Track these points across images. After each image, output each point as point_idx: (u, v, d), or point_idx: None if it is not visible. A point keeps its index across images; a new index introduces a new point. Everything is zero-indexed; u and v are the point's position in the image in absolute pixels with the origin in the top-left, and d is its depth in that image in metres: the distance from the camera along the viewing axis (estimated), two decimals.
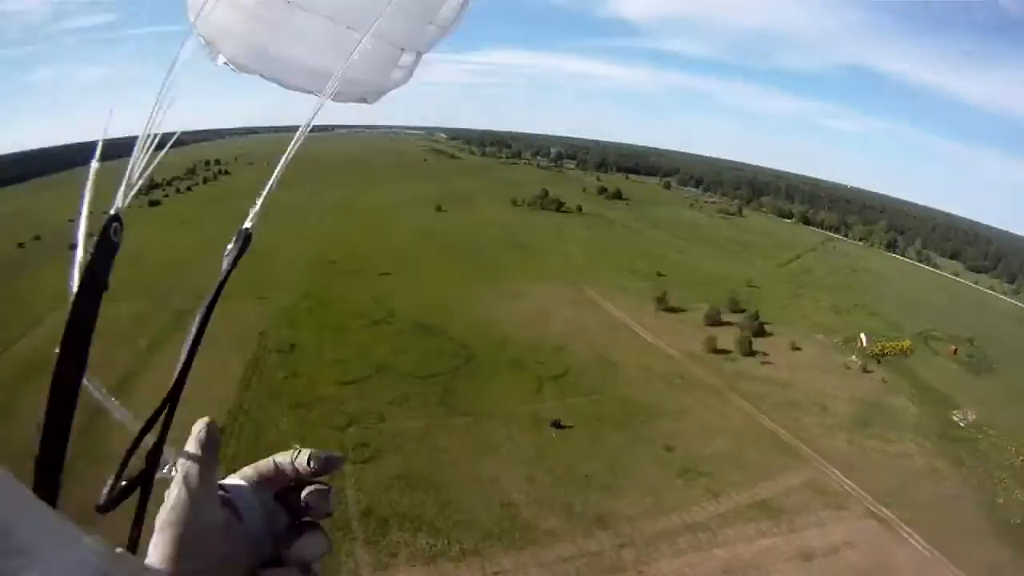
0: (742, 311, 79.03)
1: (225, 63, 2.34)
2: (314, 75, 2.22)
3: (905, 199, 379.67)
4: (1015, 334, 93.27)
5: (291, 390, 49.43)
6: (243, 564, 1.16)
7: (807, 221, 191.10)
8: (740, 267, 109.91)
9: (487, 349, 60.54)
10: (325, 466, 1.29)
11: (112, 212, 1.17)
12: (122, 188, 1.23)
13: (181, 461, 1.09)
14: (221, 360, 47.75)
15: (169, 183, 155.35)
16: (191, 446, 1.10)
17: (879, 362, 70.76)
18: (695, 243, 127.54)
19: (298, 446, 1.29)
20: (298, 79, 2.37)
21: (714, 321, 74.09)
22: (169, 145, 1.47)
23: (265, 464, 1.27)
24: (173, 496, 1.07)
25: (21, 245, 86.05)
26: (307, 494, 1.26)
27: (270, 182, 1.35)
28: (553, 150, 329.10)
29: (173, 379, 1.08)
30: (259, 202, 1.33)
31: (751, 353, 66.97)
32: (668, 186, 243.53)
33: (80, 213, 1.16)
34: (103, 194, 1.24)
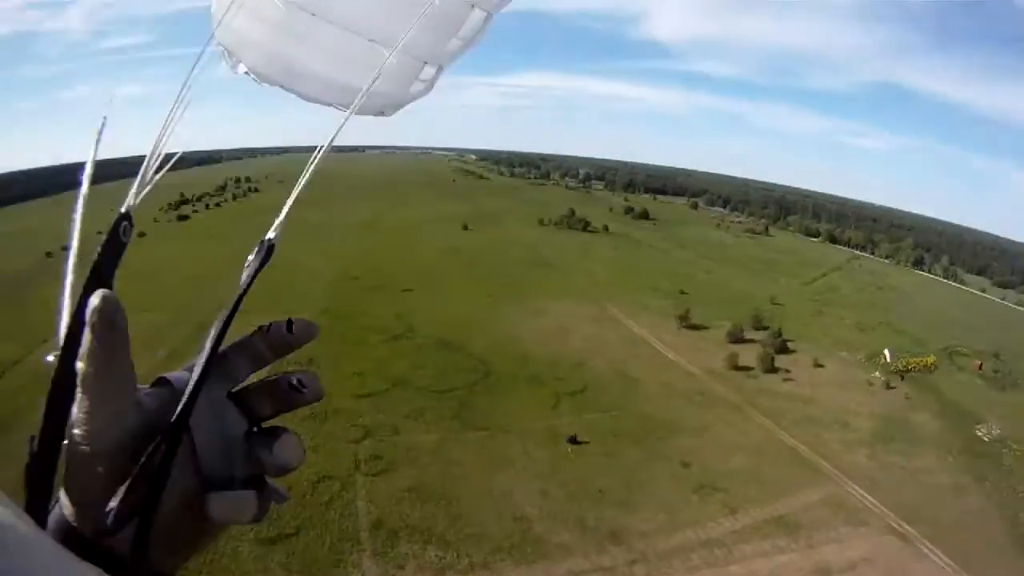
0: (765, 328, 77.99)
1: (246, 72, 2.33)
2: (333, 88, 2.26)
3: (932, 216, 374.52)
4: None
5: None
6: (181, 487, 0.93)
7: (834, 240, 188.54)
8: (765, 285, 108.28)
9: (506, 365, 60.54)
10: (308, 331, 1.16)
11: (123, 210, 1.07)
12: (135, 187, 1.16)
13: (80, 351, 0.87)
14: None
15: (199, 199, 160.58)
16: (85, 335, 0.86)
17: (902, 378, 69.05)
18: (720, 262, 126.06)
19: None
20: (318, 91, 2.35)
21: (736, 338, 73.30)
22: (186, 147, 1.42)
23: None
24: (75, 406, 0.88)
25: (49, 255, 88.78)
26: (300, 374, 1.10)
27: (294, 193, 1.27)
28: (582, 171, 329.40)
29: (188, 390, 0.94)
30: (283, 212, 1.21)
31: (773, 370, 66.04)
32: (695, 206, 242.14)
33: (72, 226, 1.08)
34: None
